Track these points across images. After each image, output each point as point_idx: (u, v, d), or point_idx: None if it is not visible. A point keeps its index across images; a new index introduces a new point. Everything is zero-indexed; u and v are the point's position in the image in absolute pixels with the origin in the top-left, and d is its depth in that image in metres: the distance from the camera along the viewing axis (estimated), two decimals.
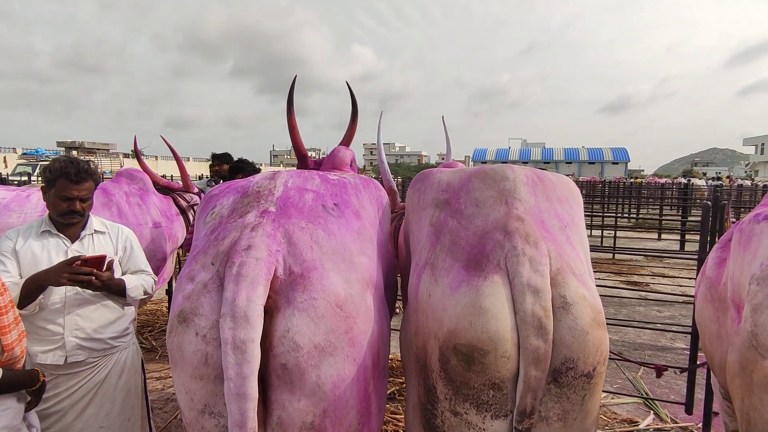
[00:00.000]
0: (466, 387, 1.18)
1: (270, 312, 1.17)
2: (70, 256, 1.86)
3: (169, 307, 5.17)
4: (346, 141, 2.37)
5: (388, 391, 3.71)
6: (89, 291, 1.92)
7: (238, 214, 1.33)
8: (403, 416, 3.37)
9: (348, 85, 2.43)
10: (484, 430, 1.21)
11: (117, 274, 1.98)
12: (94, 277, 1.80)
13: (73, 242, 1.97)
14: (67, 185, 1.88)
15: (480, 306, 1.15)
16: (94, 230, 2.05)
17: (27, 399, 1.70)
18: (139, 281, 2.04)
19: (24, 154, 25.39)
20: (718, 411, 3.24)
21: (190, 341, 1.17)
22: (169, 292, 5.00)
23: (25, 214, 2.83)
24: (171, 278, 4.45)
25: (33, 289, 1.79)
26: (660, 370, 2.97)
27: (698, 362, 3.15)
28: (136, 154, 3.47)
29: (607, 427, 3.19)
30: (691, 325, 3.34)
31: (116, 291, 1.94)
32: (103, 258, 1.87)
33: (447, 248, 1.33)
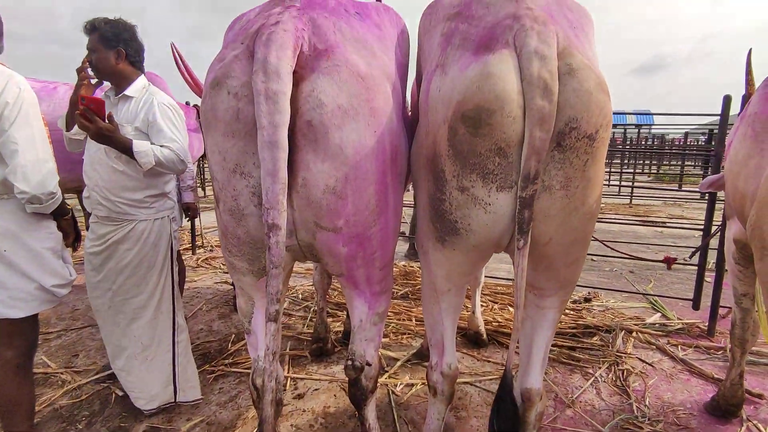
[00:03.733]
0: (474, 155, 1.23)
1: (296, 82, 1.25)
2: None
3: (192, 231, 5.34)
4: None
5: (401, 291, 3.84)
6: (105, 154, 1.99)
7: (264, 11, 1.39)
8: (416, 309, 3.49)
9: None
10: (489, 204, 1.27)
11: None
12: (90, 120, 1.84)
13: None
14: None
15: (488, 72, 1.19)
16: (122, 96, 2.09)
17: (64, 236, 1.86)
18: (150, 148, 1.97)
19: None
20: (725, 308, 3.28)
21: (222, 100, 1.26)
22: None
23: (54, 104, 2.95)
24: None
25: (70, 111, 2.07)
26: (670, 262, 3.00)
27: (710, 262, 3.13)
28: (175, 59, 3.48)
29: (614, 322, 3.27)
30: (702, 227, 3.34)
31: (121, 148, 1.94)
32: (100, 102, 1.86)
33: (457, 45, 1.36)
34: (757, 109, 1.69)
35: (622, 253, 3.31)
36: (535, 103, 1.15)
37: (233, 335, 3.13)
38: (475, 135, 1.21)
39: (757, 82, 2.27)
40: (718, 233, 3.10)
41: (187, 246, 5.35)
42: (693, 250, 2.92)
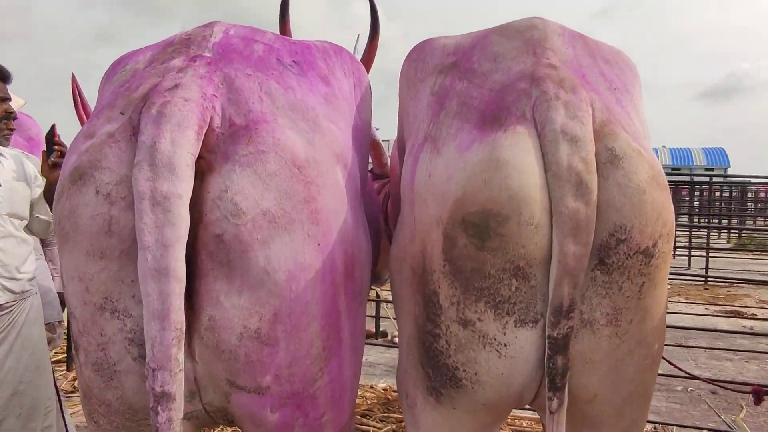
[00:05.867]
0: (480, 276, 1.22)
1: (201, 174, 1.21)
2: None
3: (68, 335, 5.16)
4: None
5: (382, 431, 3.71)
6: (11, 222, 2.31)
7: (159, 62, 1.38)
8: None
9: None
10: (505, 344, 1.25)
11: (28, 199, 2.42)
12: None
13: None
14: (2, 85, 2.35)
15: (497, 158, 1.20)
16: (1, 153, 2.38)
17: None
18: None
19: None
20: None
21: (87, 202, 1.20)
22: None
23: None
24: None
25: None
26: (760, 395, 2.97)
27: None
28: (74, 96, 3.56)
29: None
30: None
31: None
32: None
33: (454, 112, 1.39)
34: None
35: (691, 375, 3.30)
36: (566, 204, 1.16)
37: None
38: (481, 248, 1.21)
39: None
40: None
41: (59, 357, 5.13)
42: None
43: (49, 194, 2.29)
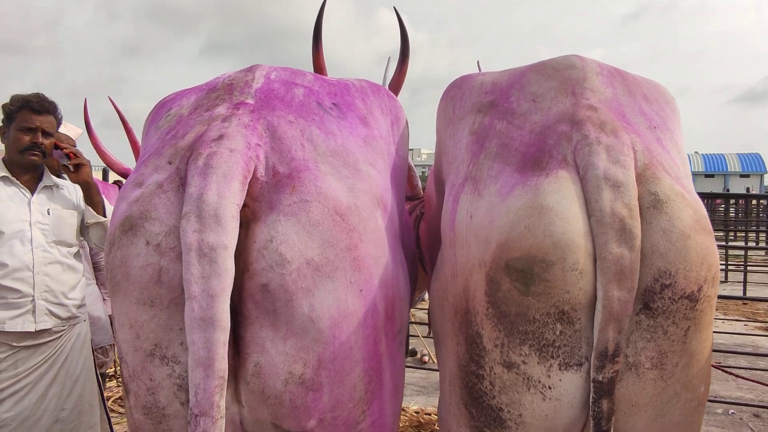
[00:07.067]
0: (524, 320, 1.26)
1: (246, 224, 1.27)
2: (33, 208, 2.37)
3: None
4: (392, 91, 2.39)
5: None
6: (58, 249, 2.37)
7: (203, 109, 1.46)
8: None
9: (396, 12, 2.58)
10: (549, 387, 1.28)
11: (75, 227, 2.53)
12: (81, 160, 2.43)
13: (32, 194, 2.41)
14: (30, 116, 2.38)
15: (540, 205, 1.24)
16: (55, 183, 2.50)
17: None
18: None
19: None
20: None
21: (138, 253, 1.26)
22: None
23: None
24: None
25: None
26: None
27: None
28: (87, 125, 3.66)
29: None
30: None
31: (96, 193, 2.52)
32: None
33: (494, 153, 1.44)
34: None
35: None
36: (610, 250, 1.19)
37: None
38: (526, 293, 1.24)
39: None
40: None
41: None
42: None
43: (87, 198, 2.49)
